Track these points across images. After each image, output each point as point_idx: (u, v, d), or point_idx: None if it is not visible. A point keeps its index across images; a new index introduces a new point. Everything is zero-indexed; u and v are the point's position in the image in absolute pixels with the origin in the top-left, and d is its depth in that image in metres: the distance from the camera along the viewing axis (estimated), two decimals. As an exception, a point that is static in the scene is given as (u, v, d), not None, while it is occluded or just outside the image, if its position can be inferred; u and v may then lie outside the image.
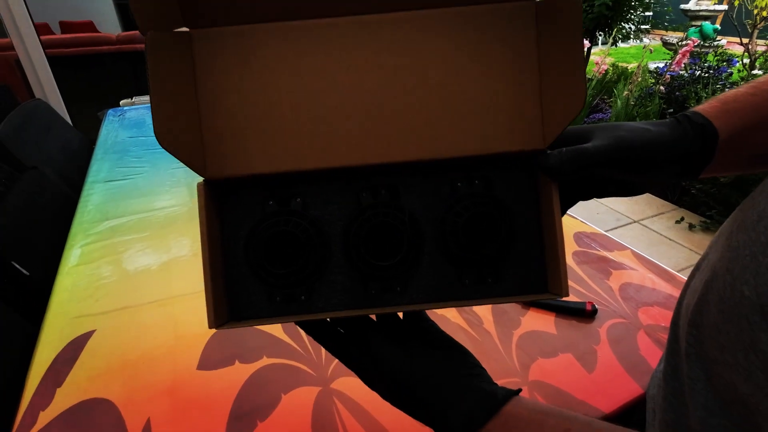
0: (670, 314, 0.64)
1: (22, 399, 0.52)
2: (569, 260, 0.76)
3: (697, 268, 0.35)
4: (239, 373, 0.55)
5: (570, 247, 0.80)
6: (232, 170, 0.30)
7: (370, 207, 0.31)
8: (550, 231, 0.30)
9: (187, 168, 0.28)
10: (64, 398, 0.52)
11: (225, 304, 0.30)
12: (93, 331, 0.62)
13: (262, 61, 0.29)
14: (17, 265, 0.75)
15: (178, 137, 0.28)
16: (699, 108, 0.35)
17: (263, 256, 0.30)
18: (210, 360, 0.57)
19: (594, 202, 2.55)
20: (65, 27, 4.03)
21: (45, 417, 0.50)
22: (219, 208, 0.31)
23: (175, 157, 0.28)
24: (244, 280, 0.31)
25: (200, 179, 0.30)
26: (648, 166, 0.32)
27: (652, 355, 0.57)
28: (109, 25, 4.16)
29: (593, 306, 0.64)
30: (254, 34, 0.29)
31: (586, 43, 3.24)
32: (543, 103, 0.30)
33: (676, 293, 0.69)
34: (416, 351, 0.31)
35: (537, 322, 0.63)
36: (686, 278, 0.72)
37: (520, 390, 0.31)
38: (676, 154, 0.32)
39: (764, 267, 0.24)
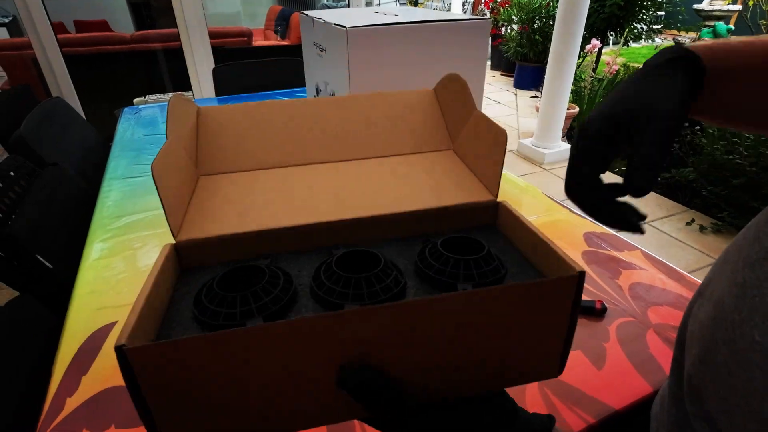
0: (679, 314, 0.65)
1: (49, 386, 0.54)
2: (579, 259, 0.77)
3: (700, 294, 0.34)
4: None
5: (580, 246, 0.81)
6: (199, 234, 0.31)
7: (342, 251, 0.30)
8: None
9: None
10: (90, 385, 0.54)
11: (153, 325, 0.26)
12: (115, 322, 0.64)
13: (243, 179, 0.37)
14: (41, 259, 0.78)
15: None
16: (691, 46, 0.35)
17: (216, 288, 0.26)
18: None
19: (603, 203, 2.54)
20: (80, 26, 4.09)
21: (72, 403, 0.52)
22: (181, 273, 0.31)
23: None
24: (183, 323, 0.27)
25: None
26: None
27: (662, 353, 0.58)
28: (123, 24, 4.21)
29: (603, 304, 0.65)
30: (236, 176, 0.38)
31: (597, 42, 3.22)
32: (476, 168, 0.39)
33: (686, 293, 0.70)
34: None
35: (547, 319, 0.64)
36: (696, 279, 0.72)
37: None
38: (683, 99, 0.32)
39: None
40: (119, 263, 0.78)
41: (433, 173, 0.40)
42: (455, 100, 0.42)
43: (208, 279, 0.28)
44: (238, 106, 0.42)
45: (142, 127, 1.44)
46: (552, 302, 0.27)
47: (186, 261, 0.31)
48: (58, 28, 2.62)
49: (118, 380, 0.55)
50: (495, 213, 0.37)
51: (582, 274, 0.27)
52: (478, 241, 0.31)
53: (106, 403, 0.52)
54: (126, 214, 0.93)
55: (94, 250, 0.81)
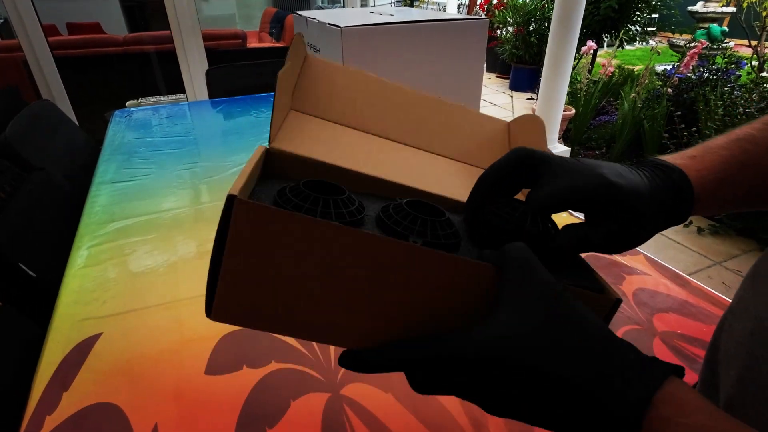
0: (685, 321, 0.63)
1: (28, 403, 0.51)
2: (581, 265, 0.75)
3: (731, 312, 0.32)
4: (247, 378, 0.54)
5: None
6: (290, 149, 0.33)
7: (407, 200, 0.31)
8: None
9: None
10: (71, 403, 0.51)
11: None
12: (100, 334, 0.61)
13: (331, 128, 0.41)
14: (24, 267, 0.75)
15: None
16: (672, 159, 0.32)
17: (302, 187, 0.27)
18: (218, 364, 0.56)
19: (601, 205, 2.53)
20: (72, 28, 4.05)
21: (51, 422, 0.49)
22: (263, 176, 0.32)
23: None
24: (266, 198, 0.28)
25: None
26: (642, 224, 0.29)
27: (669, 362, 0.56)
28: (116, 26, 4.18)
29: (607, 312, 0.63)
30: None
31: (593, 44, 3.22)
32: None
33: (691, 299, 0.68)
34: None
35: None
36: (700, 283, 0.70)
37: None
38: (663, 210, 0.30)
39: None
40: (107, 271, 0.75)
41: None
42: (529, 135, 0.44)
43: (291, 181, 0.29)
44: (341, 66, 0.45)
45: (133, 130, 1.41)
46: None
47: (270, 168, 0.33)
48: (50, 30, 2.59)
49: (102, 397, 0.52)
50: None
51: (618, 302, 0.28)
52: (439, 208, 0.31)
53: (89, 422, 0.49)
54: (115, 219, 0.90)
55: (80, 258, 0.78)
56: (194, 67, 2.62)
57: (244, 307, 0.26)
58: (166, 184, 1.04)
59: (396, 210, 0.29)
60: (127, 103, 2.35)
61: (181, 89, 2.71)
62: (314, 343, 0.59)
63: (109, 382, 0.54)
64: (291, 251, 0.24)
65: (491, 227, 0.31)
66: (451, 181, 0.40)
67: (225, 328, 0.62)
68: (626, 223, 0.28)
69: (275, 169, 0.33)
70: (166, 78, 3.16)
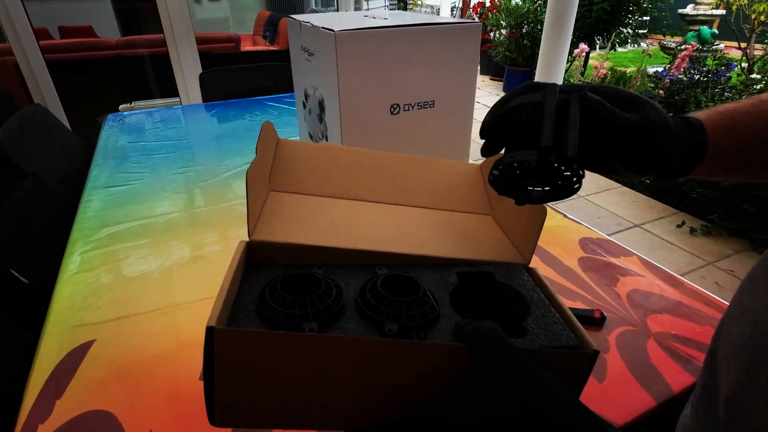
0: (679, 322, 0.64)
1: (20, 411, 0.51)
2: (575, 266, 0.76)
3: (729, 316, 0.33)
4: (243, 383, 0.54)
5: (576, 253, 0.79)
6: (270, 237, 0.35)
7: (386, 273, 0.34)
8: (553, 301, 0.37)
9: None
10: (64, 410, 0.51)
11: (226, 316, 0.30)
12: (93, 341, 0.61)
13: (309, 201, 0.43)
14: (16, 273, 0.74)
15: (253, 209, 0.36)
16: (699, 116, 0.35)
17: (281, 289, 0.30)
18: (213, 370, 0.56)
19: (594, 207, 2.55)
20: (64, 32, 4.02)
21: (44, 430, 0.48)
22: (247, 265, 0.35)
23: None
24: (248, 314, 0.30)
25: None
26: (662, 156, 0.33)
27: (663, 364, 0.56)
28: (109, 29, 4.16)
29: (602, 313, 0.63)
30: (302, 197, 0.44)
31: (585, 47, 3.25)
32: (512, 235, 0.44)
33: (685, 300, 0.68)
34: None
35: (545, 330, 0.62)
36: (694, 284, 0.71)
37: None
38: (681, 153, 0.33)
39: None
40: (100, 277, 0.74)
41: (471, 230, 0.45)
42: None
43: (271, 279, 0.31)
44: (315, 144, 0.49)
45: (126, 134, 1.40)
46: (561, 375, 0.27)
47: (254, 257, 0.35)
48: (41, 34, 2.57)
49: (96, 404, 0.52)
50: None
51: (595, 354, 0.29)
52: (416, 281, 0.32)
53: (82, 430, 0.49)
54: (108, 224, 0.90)
55: (73, 263, 0.77)
56: (188, 71, 2.61)
57: (244, 410, 0.27)
58: (160, 189, 1.04)
59: (372, 293, 0.30)
60: (120, 107, 2.34)
61: (174, 93, 2.70)
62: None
63: (103, 389, 0.54)
64: (275, 361, 0.26)
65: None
66: (429, 232, 0.42)
67: (220, 334, 0.62)
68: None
69: (260, 257, 0.35)
70: (159, 81, 3.14)
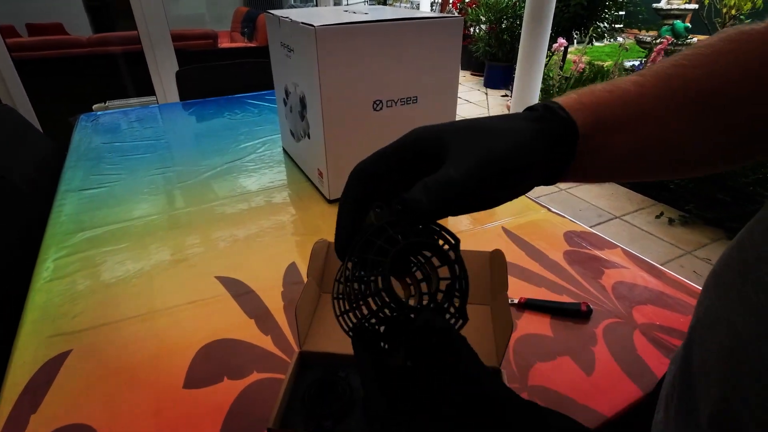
0: (663, 312, 0.65)
1: (-8, 428, 0.48)
2: (561, 260, 0.76)
3: (699, 321, 0.31)
4: (228, 390, 0.53)
5: (561, 246, 0.80)
6: (315, 348, 0.49)
7: None
8: None
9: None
10: (40, 426, 0.48)
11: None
12: (70, 351, 0.58)
13: None
14: (-15, 283, 0.71)
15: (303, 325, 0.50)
16: (559, 99, 0.31)
17: (314, 391, 0.44)
18: (197, 377, 0.54)
19: (576, 199, 2.58)
20: (32, 29, 3.88)
21: (18, 447, 0.46)
22: (300, 369, 0.48)
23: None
24: (294, 412, 0.43)
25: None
26: (517, 179, 0.28)
27: (649, 355, 0.57)
28: (80, 27, 4.02)
29: (588, 306, 0.64)
30: None
31: (564, 41, 3.28)
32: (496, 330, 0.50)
33: (668, 290, 0.69)
34: None
35: (533, 324, 0.62)
36: (674, 273, 0.72)
37: None
38: (543, 159, 0.28)
39: None
40: (75, 284, 0.71)
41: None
42: (498, 272, 0.53)
43: (309, 385, 0.45)
44: None
45: (101, 134, 1.35)
46: None
47: (304, 359, 0.49)
48: (7, 31, 2.47)
49: (74, 417, 0.49)
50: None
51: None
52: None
53: (59, 445, 0.47)
54: (83, 228, 0.86)
55: (46, 270, 0.74)
56: (164, 69, 2.55)
57: None
58: (138, 191, 1.01)
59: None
60: (94, 107, 2.27)
61: (150, 91, 2.63)
62: (296, 351, 0.58)
63: (81, 402, 0.52)
64: None
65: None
66: None
67: (203, 339, 0.60)
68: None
69: (307, 359, 0.49)
70: (134, 80, 3.06)
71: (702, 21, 3.89)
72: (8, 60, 2.28)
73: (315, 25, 0.75)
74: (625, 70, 3.04)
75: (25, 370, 0.55)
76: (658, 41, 3.08)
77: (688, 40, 4.23)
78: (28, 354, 0.58)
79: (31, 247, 0.82)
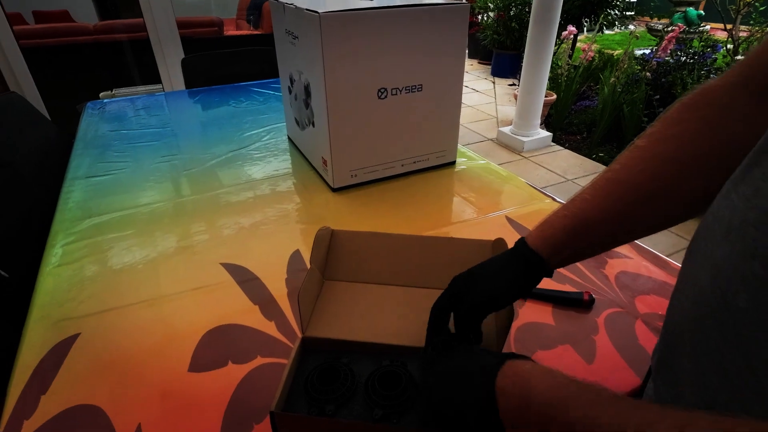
0: (666, 302, 0.64)
1: (4, 408, 0.50)
2: (564, 250, 0.76)
3: (677, 290, 0.35)
4: (232, 374, 0.54)
5: (565, 236, 0.80)
6: (316, 334, 0.50)
7: (387, 364, 0.47)
8: None
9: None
10: (50, 406, 0.50)
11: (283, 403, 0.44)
12: (78, 335, 0.59)
13: (351, 289, 0.57)
14: (-5, 267, 0.72)
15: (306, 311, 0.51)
16: (530, 239, 0.43)
17: (316, 377, 0.45)
18: (201, 361, 0.55)
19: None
20: (39, 17, 3.88)
21: (29, 426, 0.47)
22: (302, 354, 0.50)
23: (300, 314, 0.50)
24: (297, 396, 0.45)
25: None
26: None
27: (651, 344, 0.57)
28: (86, 14, 4.01)
29: (590, 296, 0.64)
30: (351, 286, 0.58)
31: (573, 29, 3.23)
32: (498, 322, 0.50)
33: (672, 280, 0.69)
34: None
35: (535, 313, 0.63)
36: (678, 264, 0.72)
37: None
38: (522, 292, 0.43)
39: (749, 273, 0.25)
40: (83, 269, 0.73)
41: None
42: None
43: (312, 369, 0.46)
44: (362, 233, 0.60)
45: (107, 122, 1.36)
46: None
47: (306, 344, 0.50)
48: (15, 19, 2.48)
49: (82, 399, 0.51)
50: None
51: None
52: (402, 376, 0.45)
53: (69, 425, 0.48)
54: (90, 215, 0.87)
55: (54, 256, 0.75)
56: (170, 56, 2.54)
57: None
58: (144, 178, 1.01)
59: (372, 385, 0.44)
60: (101, 95, 2.27)
61: (156, 79, 2.63)
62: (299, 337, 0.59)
63: (89, 384, 0.53)
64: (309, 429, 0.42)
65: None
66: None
67: (208, 324, 0.61)
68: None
69: (309, 344, 0.50)
70: (140, 68, 3.05)
71: (716, 8, 3.80)
72: (16, 47, 2.29)
73: (320, 11, 0.74)
74: (635, 58, 2.99)
75: (34, 353, 0.57)
76: (669, 29, 3.02)
77: (701, 28, 4.14)
78: (37, 337, 0.59)
79: (39, 233, 0.83)
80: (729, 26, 3.38)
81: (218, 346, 0.58)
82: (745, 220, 0.26)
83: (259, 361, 0.55)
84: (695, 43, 2.93)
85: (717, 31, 4.24)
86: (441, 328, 0.44)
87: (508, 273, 0.43)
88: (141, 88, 2.55)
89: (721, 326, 0.27)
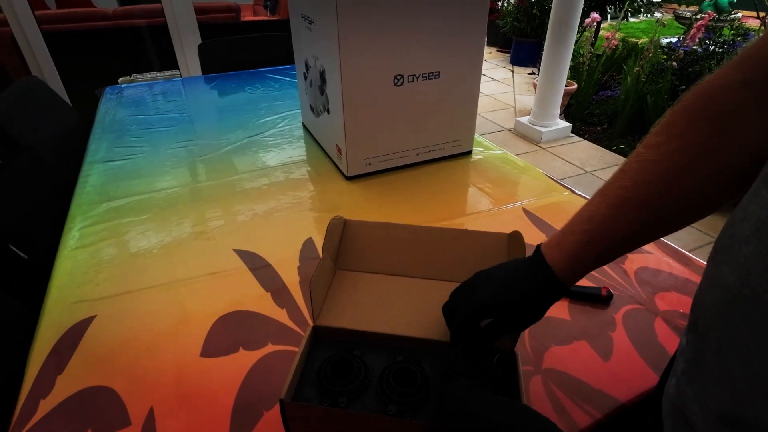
0: (688, 300, 0.62)
1: (22, 387, 0.51)
2: (582, 243, 0.74)
3: (701, 289, 0.34)
4: (244, 360, 0.54)
5: (583, 229, 0.77)
6: (329, 323, 0.50)
7: (402, 360, 0.47)
8: None
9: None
10: (65, 386, 0.51)
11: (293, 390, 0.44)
12: (94, 317, 0.60)
13: (363, 279, 0.56)
14: (15, 249, 0.73)
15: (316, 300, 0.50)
16: (546, 251, 0.44)
17: (330, 369, 0.44)
18: (214, 347, 0.56)
19: (602, 182, 2.51)
20: (60, 2, 3.92)
21: (46, 405, 0.48)
22: (313, 343, 0.49)
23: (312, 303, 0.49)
24: (308, 385, 0.44)
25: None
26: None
27: (671, 342, 0.55)
28: (106, -1, 4.05)
29: (609, 291, 0.62)
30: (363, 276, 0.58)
31: (597, 16, 3.13)
32: None
33: (694, 277, 0.67)
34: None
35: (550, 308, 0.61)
36: (703, 261, 0.69)
37: None
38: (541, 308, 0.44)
39: None
40: (100, 252, 0.74)
41: None
42: (516, 254, 0.53)
43: (324, 360, 0.46)
44: (375, 223, 0.59)
45: (125, 107, 1.37)
46: None
47: (318, 333, 0.50)
48: (37, 4, 2.51)
49: (97, 380, 0.51)
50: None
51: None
52: (416, 373, 0.45)
53: (84, 405, 0.49)
54: (108, 199, 0.88)
55: (72, 239, 0.77)
56: (187, 42, 2.55)
57: None
58: (160, 163, 1.02)
59: (386, 381, 0.44)
60: (119, 80, 2.30)
61: (174, 65, 2.64)
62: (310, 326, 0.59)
63: (104, 365, 0.54)
64: (323, 422, 0.41)
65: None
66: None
67: (220, 310, 0.61)
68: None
69: (321, 333, 0.50)
70: (158, 53, 3.07)
71: (748, -5, 3.64)
72: (37, 32, 2.32)
73: (336, -5, 0.72)
74: (661, 47, 2.89)
75: (52, 333, 0.58)
76: (698, 17, 2.91)
77: (732, 16, 3.98)
78: (54, 318, 0.60)
79: (58, 216, 0.84)
80: (762, 14, 3.24)
81: (230, 332, 0.58)
82: None
83: (270, 348, 0.55)
84: (725, 32, 2.82)
85: (749, 19, 4.07)
86: (464, 332, 0.45)
87: (529, 302, 0.44)
88: (159, 74, 2.57)
89: (750, 324, 0.26)
